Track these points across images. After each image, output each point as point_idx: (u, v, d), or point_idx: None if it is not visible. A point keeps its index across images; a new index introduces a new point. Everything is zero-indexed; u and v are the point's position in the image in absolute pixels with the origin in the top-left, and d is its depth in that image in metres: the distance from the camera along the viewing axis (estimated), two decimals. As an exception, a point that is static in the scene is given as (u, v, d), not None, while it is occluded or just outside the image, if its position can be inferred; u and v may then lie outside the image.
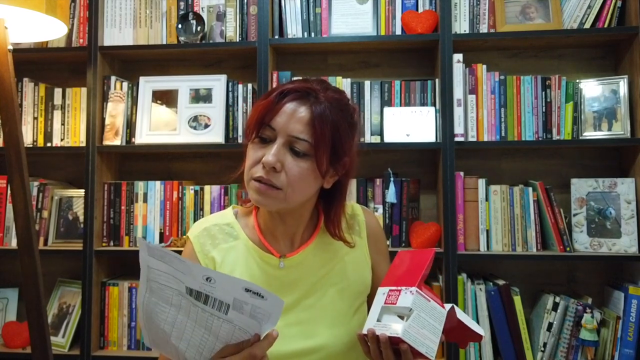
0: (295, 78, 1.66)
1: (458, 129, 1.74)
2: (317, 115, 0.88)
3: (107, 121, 1.92)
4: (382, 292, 0.83)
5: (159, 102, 1.92)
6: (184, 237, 1.86)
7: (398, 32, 1.86)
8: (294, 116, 0.88)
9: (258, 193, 0.88)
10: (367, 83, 1.85)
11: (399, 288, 0.80)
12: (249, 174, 0.90)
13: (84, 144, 1.90)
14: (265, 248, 0.98)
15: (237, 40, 1.90)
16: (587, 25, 1.78)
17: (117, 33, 1.95)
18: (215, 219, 1.03)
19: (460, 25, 1.83)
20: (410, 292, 0.78)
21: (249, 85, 1.89)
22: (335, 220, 0.99)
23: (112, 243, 1.90)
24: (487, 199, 1.76)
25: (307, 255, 0.98)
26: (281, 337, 0.92)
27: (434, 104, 1.83)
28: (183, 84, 1.92)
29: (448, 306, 0.82)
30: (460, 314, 0.84)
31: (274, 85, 1.84)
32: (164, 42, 1.94)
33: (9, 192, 1.92)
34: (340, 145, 0.91)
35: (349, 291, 0.98)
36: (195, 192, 1.87)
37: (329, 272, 0.98)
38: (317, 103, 0.89)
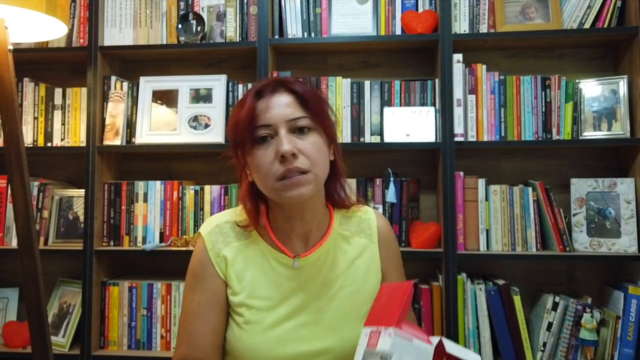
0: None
1: (458, 129, 1.75)
2: (300, 91, 0.92)
3: (107, 121, 1.92)
4: (364, 333, 0.78)
5: (159, 102, 1.93)
6: (184, 237, 1.86)
7: (398, 32, 1.86)
8: (281, 104, 0.91)
9: (291, 188, 0.88)
10: (367, 83, 1.85)
11: (379, 329, 0.75)
12: (271, 177, 0.89)
13: (84, 144, 1.90)
14: (278, 248, 0.97)
15: (237, 40, 1.90)
16: (587, 25, 1.78)
17: (117, 33, 1.95)
18: (228, 216, 1.02)
19: (460, 25, 1.83)
20: (389, 333, 0.73)
21: (249, 85, 1.89)
22: (340, 194, 1.01)
23: (112, 243, 1.90)
24: (487, 199, 1.76)
25: (320, 254, 0.98)
26: (289, 339, 0.92)
27: (433, 104, 1.83)
28: (183, 84, 1.92)
29: (435, 339, 0.78)
30: (449, 346, 0.79)
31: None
32: (164, 42, 1.94)
33: (9, 191, 1.93)
34: (327, 115, 0.95)
35: (359, 295, 0.98)
36: (196, 192, 1.88)
37: (339, 274, 0.98)
38: (292, 84, 0.93)
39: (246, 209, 0.98)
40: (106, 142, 1.90)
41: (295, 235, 0.98)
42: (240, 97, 1.88)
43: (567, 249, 1.71)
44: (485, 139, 1.78)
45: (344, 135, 1.83)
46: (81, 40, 1.96)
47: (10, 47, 1.32)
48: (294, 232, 0.98)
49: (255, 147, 0.90)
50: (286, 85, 0.93)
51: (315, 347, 0.92)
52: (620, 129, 1.74)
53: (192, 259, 1.00)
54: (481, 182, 1.76)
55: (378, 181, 1.83)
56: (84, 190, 1.88)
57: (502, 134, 1.78)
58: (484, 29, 1.83)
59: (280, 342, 0.91)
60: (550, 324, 1.68)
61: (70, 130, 1.96)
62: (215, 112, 1.88)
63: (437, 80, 1.82)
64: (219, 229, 1.00)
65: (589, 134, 1.77)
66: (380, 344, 0.73)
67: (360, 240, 1.02)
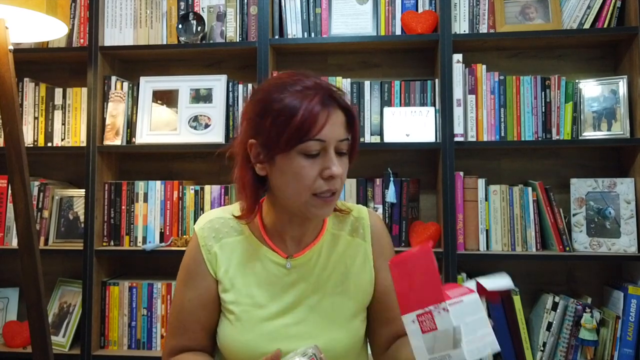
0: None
1: (458, 129, 1.75)
2: (349, 110, 0.91)
3: (107, 121, 1.92)
4: (410, 320, 0.73)
5: (159, 102, 1.93)
6: (184, 236, 1.86)
7: (398, 32, 1.86)
8: (336, 121, 0.88)
9: (321, 207, 0.89)
10: (367, 83, 1.85)
11: (427, 309, 0.72)
12: (311, 190, 0.87)
13: (84, 144, 1.90)
14: (270, 247, 0.98)
15: (237, 40, 1.91)
16: (587, 26, 1.78)
17: (117, 33, 1.96)
18: (221, 213, 1.03)
19: (460, 26, 1.83)
20: (443, 309, 0.70)
21: (249, 85, 1.89)
22: None
23: (112, 243, 1.90)
24: (486, 199, 1.76)
25: (312, 255, 0.98)
26: (280, 336, 0.92)
27: (433, 104, 1.83)
28: (183, 84, 1.92)
29: (472, 283, 0.75)
30: (487, 283, 0.76)
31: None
32: (165, 42, 1.94)
33: (9, 191, 1.93)
34: (358, 140, 0.96)
35: (350, 295, 0.98)
36: (196, 191, 1.88)
37: (331, 274, 0.98)
38: (340, 99, 0.90)
39: (246, 199, 0.95)
40: (106, 142, 1.90)
41: (288, 236, 0.98)
42: (240, 97, 1.88)
43: (567, 249, 1.71)
44: (485, 139, 1.78)
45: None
46: (81, 41, 1.96)
47: (11, 47, 1.32)
48: (287, 234, 0.98)
49: (299, 156, 0.87)
50: (337, 101, 0.89)
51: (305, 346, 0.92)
52: (620, 129, 1.74)
53: (185, 254, 1.01)
54: (481, 182, 1.76)
55: (378, 181, 1.83)
56: (84, 190, 1.88)
57: (502, 134, 1.79)
58: (483, 29, 1.83)
59: (270, 339, 0.92)
60: (550, 324, 1.68)
61: (71, 130, 1.97)
62: (216, 112, 1.88)
63: (437, 81, 1.82)
64: (211, 225, 1.00)
65: (589, 134, 1.77)
66: (440, 323, 0.70)
67: (353, 240, 1.02)
